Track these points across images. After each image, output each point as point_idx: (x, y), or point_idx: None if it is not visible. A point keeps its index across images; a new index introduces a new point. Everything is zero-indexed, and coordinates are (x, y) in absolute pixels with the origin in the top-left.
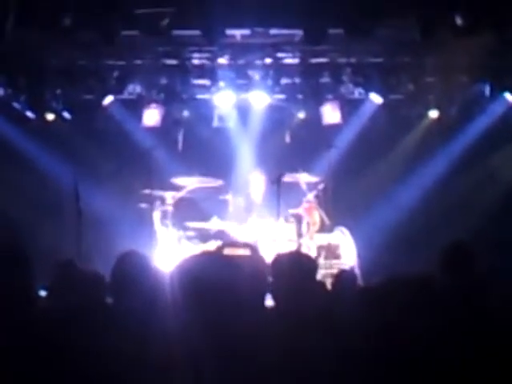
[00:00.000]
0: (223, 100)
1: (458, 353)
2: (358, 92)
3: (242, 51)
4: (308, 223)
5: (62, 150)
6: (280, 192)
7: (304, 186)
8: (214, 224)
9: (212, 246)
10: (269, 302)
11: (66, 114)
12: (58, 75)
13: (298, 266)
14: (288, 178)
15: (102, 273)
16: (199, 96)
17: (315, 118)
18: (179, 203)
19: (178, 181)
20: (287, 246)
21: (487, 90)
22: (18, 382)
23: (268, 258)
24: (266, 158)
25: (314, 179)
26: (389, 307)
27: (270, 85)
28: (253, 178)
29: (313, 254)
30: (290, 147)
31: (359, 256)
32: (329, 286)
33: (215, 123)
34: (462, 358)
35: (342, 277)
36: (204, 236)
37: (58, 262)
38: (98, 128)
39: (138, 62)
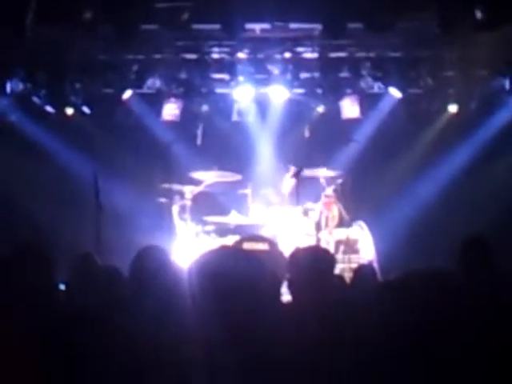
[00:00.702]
0: (242, 94)
1: (477, 348)
2: (377, 86)
3: (262, 45)
4: (327, 217)
5: (82, 145)
6: (299, 186)
7: (323, 181)
8: (232, 218)
9: (230, 240)
10: (286, 296)
11: (86, 109)
12: (77, 69)
13: (315, 261)
14: (307, 172)
15: (122, 267)
16: (218, 90)
17: (334, 112)
18: (198, 197)
19: (197, 175)
20: (306, 241)
21: (507, 84)
22: (37, 375)
23: (287, 252)
24: (285, 153)
25: (332, 174)
26: (407, 302)
27: (290, 79)
28: (288, 174)
29: (331, 248)
30: (309, 141)
31: (377, 250)
32: (347, 280)
33: (234, 117)
34: (480, 353)
35: (362, 271)
36: (222, 230)
37: (75, 256)
38: (117, 122)
39: (158, 56)
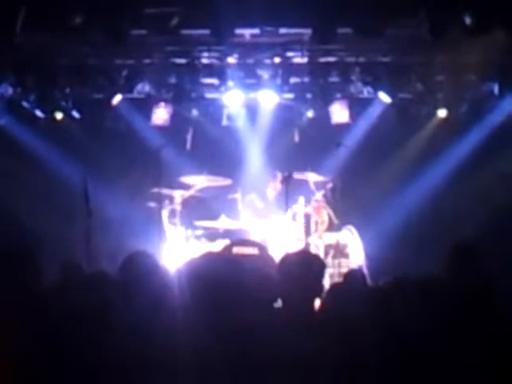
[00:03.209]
0: (232, 99)
1: (465, 351)
2: (366, 91)
3: (251, 50)
4: (316, 222)
5: (71, 149)
6: (289, 191)
7: (312, 185)
8: (222, 223)
9: (220, 244)
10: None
11: (75, 113)
12: (67, 74)
13: (305, 266)
14: (297, 176)
15: (111, 271)
16: (208, 95)
17: (324, 117)
18: (188, 202)
19: (187, 180)
20: (295, 245)
21: (496, 88)
22: (24, 377)
23: (277, 256)
24: (274, 157)
25: (322, 178)
26: (397, 307)
27: (279, 84)
28: (274, 181)
29: (321, 252)
30: (299, 146)
31: (367, 255)
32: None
33: (224, 122)
34: (469, 356)
35: (351, 276)
36: (212, 235)
37: (64, 262)
38: (106, 127)
39: (147, 61)
